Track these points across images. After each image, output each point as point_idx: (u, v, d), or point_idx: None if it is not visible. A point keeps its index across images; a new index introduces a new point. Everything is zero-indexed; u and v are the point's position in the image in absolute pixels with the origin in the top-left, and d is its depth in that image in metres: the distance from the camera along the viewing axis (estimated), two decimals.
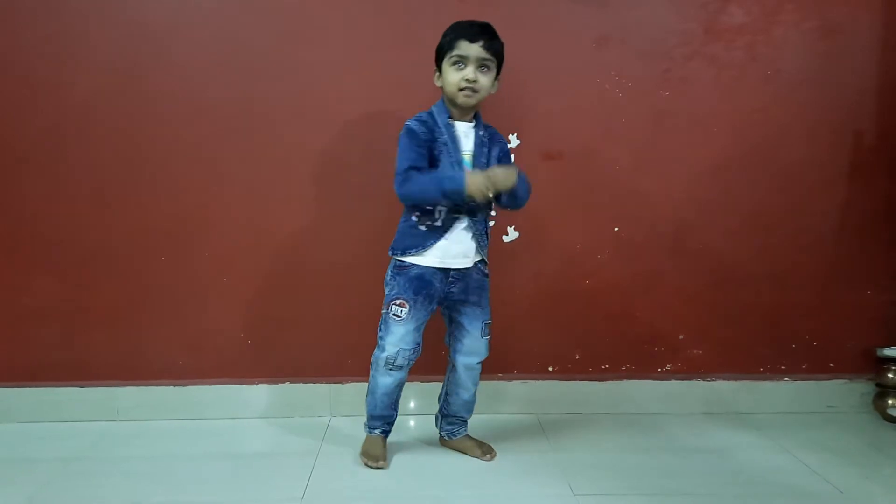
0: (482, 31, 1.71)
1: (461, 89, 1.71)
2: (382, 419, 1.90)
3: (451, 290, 1.80)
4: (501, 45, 1.75)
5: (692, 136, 2.14)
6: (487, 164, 1.76)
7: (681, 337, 2.21)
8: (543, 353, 2.22)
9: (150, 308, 2.16)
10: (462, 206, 1.73)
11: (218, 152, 2.11)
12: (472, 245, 1.78)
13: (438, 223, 1.74)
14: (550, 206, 2.15)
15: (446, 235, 1.75)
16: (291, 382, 2.19)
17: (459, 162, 1.73)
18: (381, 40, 2.08)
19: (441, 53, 1.75)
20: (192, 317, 2.17)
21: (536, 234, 2.17)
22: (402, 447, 1.97)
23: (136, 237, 2.14)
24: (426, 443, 1.99)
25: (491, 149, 1.79)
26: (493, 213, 1.90)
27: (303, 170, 2.13)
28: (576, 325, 2.20)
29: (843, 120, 2.13)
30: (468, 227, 1.77)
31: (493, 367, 2.20)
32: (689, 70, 2.12)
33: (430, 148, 1.73)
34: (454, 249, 1.76)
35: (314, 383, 2.19)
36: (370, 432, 1.92)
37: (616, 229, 2.17)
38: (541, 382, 2.21)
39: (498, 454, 1.91)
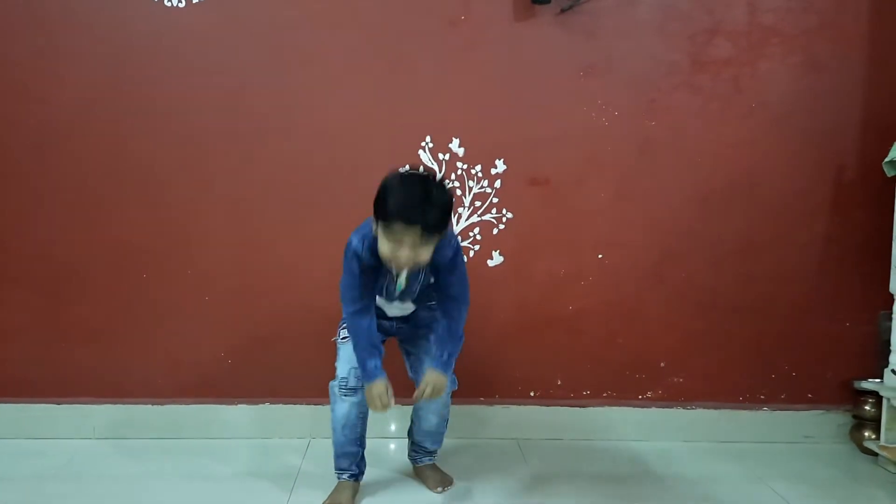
0: (422, 212, 1.47)
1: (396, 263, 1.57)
2: (348, 458, 1.79)
3: (401, 325, 1.81)
4: (444, 215, 1.52)
5: (677, 166, 2.16)
6: (421, 283, 1.70)
7: (662, 365, 2.22)
8: (525, 379, 2.22)
9: (130, 325, 2.15)
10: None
11: (202, 170, 2.11)
12: (410, 307, 1.77)
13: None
14: (535, 232, 2.16)
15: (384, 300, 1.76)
16: (271, 403, 2.18)
17: (392, 289, 1.69)
18: (371, 63, 2.08)
19: (377, 209, 1.53)
20: (173, 335, 2.15)
21: (521, 260, 2.17)
22: (380, 471, 1.96)
23: (118, 254, 2.12)
24: (406, 467, 1.97)
25: (425, 276, 1.69)
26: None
27: (288, 190, 2.12)
28: (558, 350, 2.21)
29: (826, 154, 2.16)
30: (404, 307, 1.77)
31: (474, 392, 2.20)
32: (675, 100, 2.14)
33: (374, 269, 1.66)
34: (390, 311, 1.78)
35: (294, 404, 2.18)
36: (339, 478, 1.81)
37: (600, 256, 2.18)
38: (522, 408, 2.21)
39: (477, 479, 1.91)
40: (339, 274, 1.96)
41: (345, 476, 1.80)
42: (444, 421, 1.87)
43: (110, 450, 2.08)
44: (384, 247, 1.53)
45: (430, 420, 1.85)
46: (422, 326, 1.81)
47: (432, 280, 1.71)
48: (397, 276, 1.62)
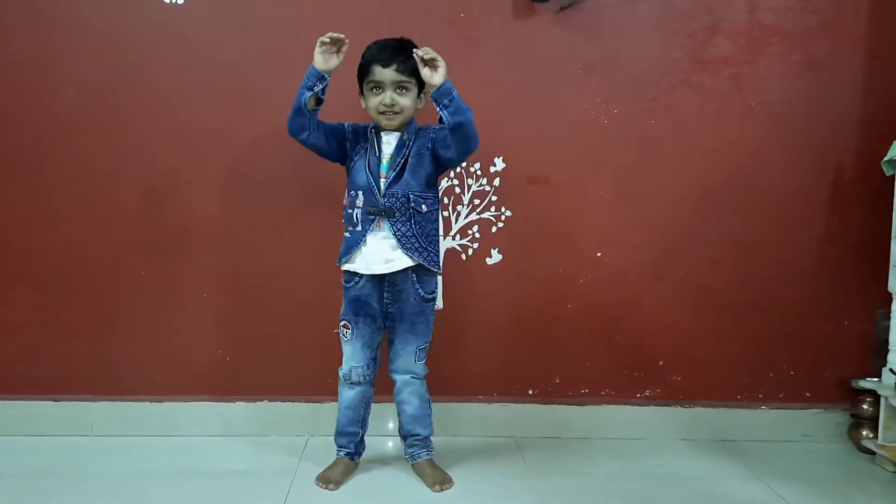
0: (395, 53, 1.72)
1: (381, 113, 1.76)
2: (347, 437, 1.90)
3: (389, 310, 1.84)
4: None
5: (676, 164, 2.16)
6: (404, 164, 1.78)
7: (660, 363, 2.22)
8: (524, 376, 2.22)
9: (127, 322, 2.14)
10: (374, 209, 1.76)
11: (201, 168, 2.11)
12: (395, 251, 1.78)
13: (359, 228, 1.79)
14: (534, 230, 2.16)
15: (366, 239, 1.78)
16: (270, 401, 2.18)
17: (375, 163, 1.78)
18: None
19: (360, 78, 1.79)
20: (171, 332, 2.15)
21: (520, 258, 2.17)
22: (378, 469, 1.96)
23: (116, 251, 2.12)
24: (405, 466, 1.97)
25: (412, 147, 1.79)
26: (429, 215, 1.82)
27: (285, 188, 2.12)
28: (557, 348, 2.21)
29: (825, 153, 2.16)
30: (387, 234, 1.78)
31: (473, 390, 2.21)
32: (675, 99, 2.14)
33: (347, 146, 1.82)
34: (374, 254, 1.78)
35: (293, 402, 2.18)
36: (337, 453, 1.92)
37: (599, 255, 2.18)
38: (520, 405, 2.21)
39: (475, 478, 1.90)
40: (337, 271, 1.96)
41: (342, 453, 1.90)
42: (426, 402, 1.91)
43: (108, 447, 2.07)
44: (371, 103, 1.76)
45: (412, 402, 1.89)
46: (408, 313, 1.83)
47: (427, 171, 1.79)
48: (380, 147, 1.79)
